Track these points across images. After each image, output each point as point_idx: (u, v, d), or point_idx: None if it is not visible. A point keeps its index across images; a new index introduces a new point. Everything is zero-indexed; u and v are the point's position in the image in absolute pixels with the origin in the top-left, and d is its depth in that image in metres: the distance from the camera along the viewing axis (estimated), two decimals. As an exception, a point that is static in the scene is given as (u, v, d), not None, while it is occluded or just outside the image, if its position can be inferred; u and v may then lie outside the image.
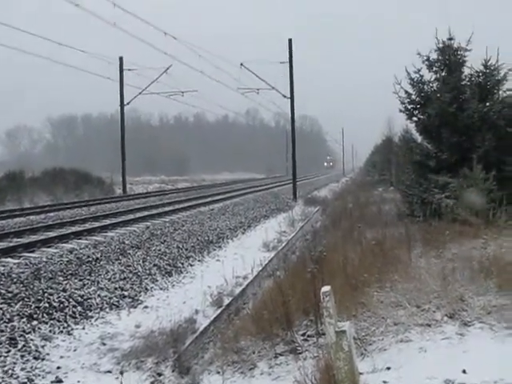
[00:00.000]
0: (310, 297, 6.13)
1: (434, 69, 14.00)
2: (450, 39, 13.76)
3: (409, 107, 14.22)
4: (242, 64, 30.93)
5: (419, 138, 15.33)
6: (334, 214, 18.20)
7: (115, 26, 21.25)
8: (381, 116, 49.87)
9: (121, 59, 34.43)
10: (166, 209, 23.58)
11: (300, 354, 5.68)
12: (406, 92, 14.06)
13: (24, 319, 7.98)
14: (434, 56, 13.87)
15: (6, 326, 7.60)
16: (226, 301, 9.41)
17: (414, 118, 14.48)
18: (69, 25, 71.31)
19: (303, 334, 6.04)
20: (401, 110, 14.49)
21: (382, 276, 7.16)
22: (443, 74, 13.91)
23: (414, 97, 14.10)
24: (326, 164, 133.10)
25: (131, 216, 20.65)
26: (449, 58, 13.74)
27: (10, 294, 8.77)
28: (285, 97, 32.35)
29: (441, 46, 13.76)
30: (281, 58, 31.55)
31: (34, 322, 7.98)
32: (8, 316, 7.93)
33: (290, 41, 31.38)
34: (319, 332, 5.70)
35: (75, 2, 19.44)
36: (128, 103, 35.26)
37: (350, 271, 7.24)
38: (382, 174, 32.62)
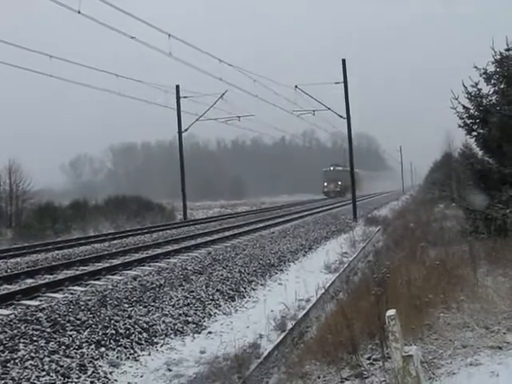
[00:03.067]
0: (374, 319, 6.04)
1: (493, 81, 13.72)
2: (508, 50, 13.47)
3: (468, 122, 13.96)
4: (296, 86, 31.08)
5: (480, 153, 15.01)
6: (396, 233, 17.93)
7: (170, 56, 21.75)
8: (439, 132, 49.05)
9: (177, 87, 35.17)
10: (227, 233, 23.76)
11: (366, 378, 5.59)
12: (464, 107, 13.82)
13: (92, 346, 8.17)
14: (491, 68, 13.61)
15: (75, 353, 7.80)
16: (290, 325, 9.37)
17: (474, 133, 14.20)
18: (124, 56, 73.34)
19: (369, 358, 5.95)
20: (460, 126, 14.24)
21: (448, 296, 7.01)
22: (502, 86, 13.61)
23: (472, 111, 13.83)
24: (325, 185, 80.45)
25: (193, 242, 20.90)
26: (507, 69, 13.45)
27: (78, 322, 9.01)
28: (341, 117, 32.24)
29: (498, 57, 13.49)
30: (337, 77, 31.55)
31: (102, 349, 8.15)
32: (77, 343, 8.14)
33: (343, 61, 31.34)
34: (385, 356, 5.60)
35: (130, 34, 20.00)
36: (186, 130, 35.92)
37: (415, 292, 7.11)
38: (442, 190, 31.90)
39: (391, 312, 4.24)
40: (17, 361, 7.23)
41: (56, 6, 16.37)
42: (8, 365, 7.08)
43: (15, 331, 8.34)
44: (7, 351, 7.48)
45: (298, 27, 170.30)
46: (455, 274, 8.02)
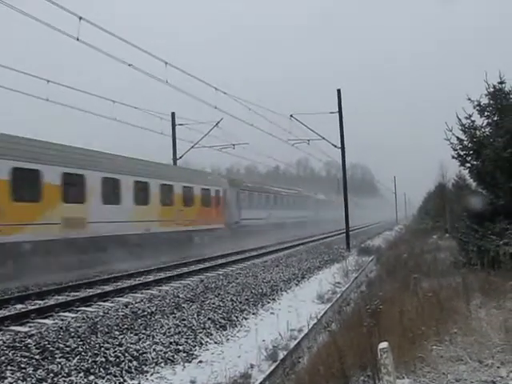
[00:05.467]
0: (366, 351, 5.99)
1: (486, 113, 13.86)
2: (501, 83, 13.63)
3: (461, 153, 14.06)
4: (291, 115, 31.22)
5: (473, 184, 15.07)
6: (389, 263, 17.87)
7: (167, 84, 21.86)
8: (433, 162, 49.33)
9: (173, 114, 35.29)
10: (220, 261, 23.69)
11: (358, 411, 5.53)
12: (458, 138, 13.92)
13: (81, 374, 8.04)
14: (485, 101, 13.75)
15: (64, 381, 7.69)
16: (281, 355, 9.27)
17: (468, 164, 14.29)
18: (121, 83, 73.76)
19: (361, 391, 5.89)
20: (453, 157, 14.33)
21: (441, 328, 6.97)
22: (495, 118, 13.74)
23: (466, 143, 13.93)
24: None
25: (185, 269, 20.85)
26: (501, 101, 13.59)
27: (68, 349, 8.91)
28: (335, 146, 32.34)
29: (491, 90, 13.64)
30: (331, 107, 31.73)
31: (91, 377, 8.03)
32: (66, 370, 8.02)
33: (338, 91, 31.53)
34: (377, 388, 5.55)
35: (128, 62, 20.13)
36: (181, 157, 35.95)
37: (407, 324, 7.07)
38: (436, 221, 31.98)
39: (384, 344, 4.21)
40: (3, 388, 7.12)
41: (55, 33, 16.52)
42: (-6, 392, 6.98)
43: (3, 358, 8.25)
44: (-6, 378, 7.38)
45: (295, 57, 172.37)
46: (448, 306, 7.99)
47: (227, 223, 36.48)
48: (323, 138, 33.09)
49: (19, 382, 7.41)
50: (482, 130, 13.94)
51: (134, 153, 28.41)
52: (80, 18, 16.46)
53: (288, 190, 58.76)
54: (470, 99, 13.70)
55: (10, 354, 8.46)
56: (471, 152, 13.95)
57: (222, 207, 35.81)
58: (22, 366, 8.00)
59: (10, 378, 7.45)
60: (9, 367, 7.86)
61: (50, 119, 55.12)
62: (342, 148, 32.03)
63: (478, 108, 13.80)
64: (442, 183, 34.35)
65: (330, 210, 70.92)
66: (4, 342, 9.10)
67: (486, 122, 13.92)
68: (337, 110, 31.54)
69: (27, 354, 8.52)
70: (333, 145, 32.60)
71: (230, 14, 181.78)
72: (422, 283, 10.20)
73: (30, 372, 7.77)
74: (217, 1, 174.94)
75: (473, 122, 13.87)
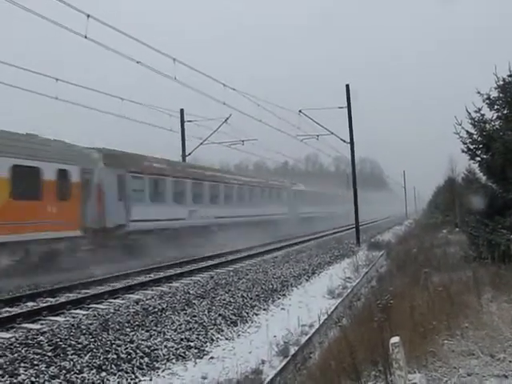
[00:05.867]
0: (377, 346, 5.98)
1: (496, 107, 13.78)
2: (511, 75, 13.55)
3: (471, 147, 13.99)
4: (300, 111, 31.16)
5: (483, 178, 15.00)
6: (399, 258, 17.85)
7: (175, 80, 21.89)
8: (443, 157, 49.12)
9: (182, 111, 35.35)
10: (230, 257, 23.72)
11: (370, 406, 5.53)
12: (468, 132, 13.86)
13: (93, 370, 8.08)
14: (494, 94, 13.67)
15: (76, 378, 7.73)
16: (292, 350, 9.28)
17: (477, 158, 14.23)
18: (130, 80, 74.00)
19: (372, 386, 5.89)
20: (463, 151, 14.27)
21: (452, 323, 6.95)
22: (505, 111, 13.66)
23: (475, 136, 13.87)
24: None
25: (195, 266, 20.89)
26: (510, 94, 13.50)
27: (79, 346, 8.95)
28: (344, 141, 32.27)
29: (501, 83, 13.55)
30: (338, 104, 31.62)
31: (103, 374, 8.07)
32: (78, 367, 8.07)
33: (347, 86, 31.45)
34: (389, 383, 5.54)
35: (136, 59, 20.18)
36: (190, 154, 36.00)
37: (418, 318, 7.06)
38: (445, 215, 31.88)
39: (395, 339, 4.20)
40: (17, 385, 7.17)
41: (63, 31, 16.59)
42: (8, 389, 7.03)
43: (16, 355, 8.31)
44: (7, 375, 7.44)
45: (301, 55, 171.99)
46: (459, 300, 7.96)
47: (92, 228, 21.77)
48: (332, 133, 33.06)
49: (32, 378, 7.45)
50: (492, 123, 13.88)
51: (142, 150, 28.33)
52: (88, 16, 16.52)
53: (245, 179, 40.93)
54: (479, 92, 13.64)
55: (23, 350, 8.52)
56: (481, 146, 13.89)
57: (76, 200, 20.61)
58: (35, 362, 8.05)
59: (23, 375, 7.50)
60: (22, 364, 7.92)
61: (55, 117, 55.26)
62: (351, 142, 31.94)
63: (487, 101, 13.73)
64: (452, 177, 34.21)
65: (319, 204, 56.26)
66: (17, 339, 9.17)
67: (495, 115, 13.86)
68: (345, 105, 31.45)
69: (40, 350, 8.57)
70: (342, 140, 32.55)
71: (235, 12, 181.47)
72: (433, 278, 10.18)
73: (43, 369, 7.82)
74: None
75: (482, 115, 13.81)
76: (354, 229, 33.05)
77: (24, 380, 7.36)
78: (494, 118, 13.87)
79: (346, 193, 57.93)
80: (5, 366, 7.74)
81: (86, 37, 16.89)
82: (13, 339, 9.24)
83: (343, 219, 55.49)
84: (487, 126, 13.81)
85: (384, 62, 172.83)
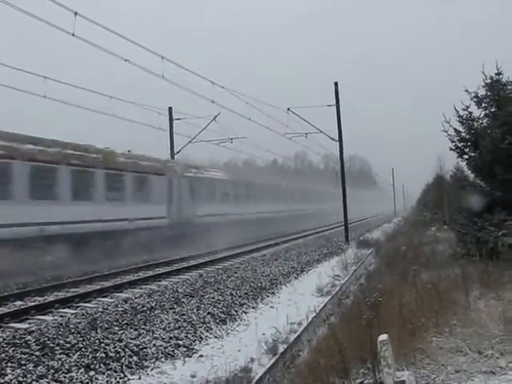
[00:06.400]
0: (366, 344, 5.99)
1: (483, 105, 13.85)
2: (498, 74, 13.62)
3: (459, 145, 14.07)
4: (288, 109, 31.12)
5: (471, 176, 15.08)
6: (388, 256, 17.90)
7: (163, 78, 21.82)
8: (431, 154, 49.30)
9: (170, 109, 35.22)
10: (219, 256, 23.70)
11: (358, 403, 5.54)
12: (456, 130, 13.92)
13: (82, 370, 8.06)
14: (482, 92, 13.74)
15: (64, 377, 7.70)
16: (281, 348, 9.29)
17: (465, 156, 14.30)
18: (118, 79, 73.53)
19: (361, 383, 5.89)
20: (451, 149, 14.34)
21: (440, 320, 6.98)
22: (493, 109, 13.74)
23: (463, 134, 13.94)
24: None
25: (184, 264, 20.87)
26: (498, 93, 13.58)
27: (68, 345, 8.92)
28: (333, 139, 32.34)
29: (489, 81, 13.63)
30: (328, 100, 31.68)
31: (92, 373, 8.04)
32: (67, 366, 8.04)
33: (335, 84, 31.49)
34: (377, 380, 5.54)
35: (124, 57, 20.11)
36: (178, 152, 35.84)
37: (407, 316, 7.08)
38: (434, 213, 32.01)
39: (383, 337, 4.22)
40: (4, 385, 7.13)
41: (50, 29, 16.46)
42: (-5, 389, 6.98)
43: (3, 355, 8.26)
44: (-6, 375, 7.39)
45: (293, 48, 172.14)
46: (447, 297, 8.00)
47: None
48: (321, 131, 33.06)
49: (20, 378, 7.41)
50: (480, 121, 13.96)
51: (132, 148, 28.20)
52: (75, 14, 16.41)
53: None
54: (467, 91, 13.71)
55: (10, 350, 8.47)
56: (469, 143, 13.96)
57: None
58: (23, 362, 8.01)
59: (10, 375, 7.46)
60: (9, 364, 7.87)
61: (45, 116, 54.99)
62: (340, 141, 32.02)
63: (475, 99, 13.80)
64: (440, 175, 34.38)
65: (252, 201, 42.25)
66: (4, 339, 9.11)
67: (483, 113, 13.94)
68: (334, 103, 31.51)
69: (27, 350, 8.53)
70: (330, 138, 32.60)
71: (231, 11, 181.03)
72: (421, 275, 10.22)
73: (31, 368, 7.78)
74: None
75: (470, 113, 13.88)
76: (343, 227, 33.14)
77: (11, 380, 7.32)
78: (481, 115, 13.95)
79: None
80: (-8, 366, 7.70)
81: (73, 34, 16.79)
82: (0, 339, 9.17)
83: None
84: (475, 123, 13.88)
85: (375, 60, 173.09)
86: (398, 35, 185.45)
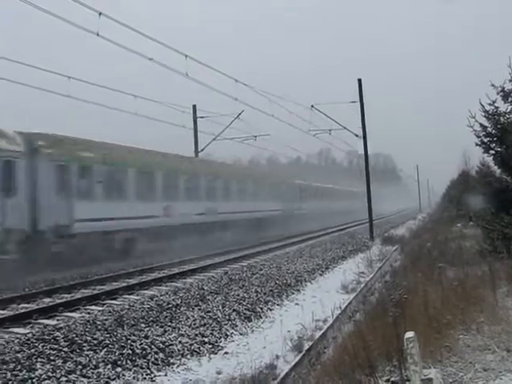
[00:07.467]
0: (392, 341, 5.97)
1: (510, 99, 13.66)
2: (526, 68, 13.43)
3: (485, 140, 13.89)
4: (312, 106, 31.08)
5: (498, 171, 14.90)
6: (413, 252, 17.79)
7: (187, 77, 21.96)
8: (457, 149, 48.71)
9: (194, 107, 35.36)
10: (243, 253, 23.75)
11: (385, 401, 5.52)
12: (481, 125, 13.76)
13: (109, 366, 8.15)
14: (508, 86, 13.56)
15: (92, 373, 7.80)
16: (306, 345, 9.30)
17: (492, 151, 14.12)
18: (144, 78, 73.97)
19: (387, 381, 5.85)
20: (477, 144, 14.18)
21: (467, 318, 6.92)
22: (520, 103, 13.55)
23: (489, 129, 13.76)
24: None
25: (209, 261, 20.92)
26: (525, 87, 13.40)
27: (95, 341, 9.02)
28: (357, 136, 32.20)
29: (515, 75, 13.45)
30: (352, 96, 31.51)
31: (119, 369, 8.12)
32: (94, 362, 8.14)
33: (359, 81, 31.35)
34: (404, 378, 5.52)
35: (148, 56, 20.29)
36: (202, 149, 35.99)
37: (433, 313, 7.03)
38: (459, 209, 31.67)
39: (410, 334, 4.20)
40: (34, 380, 7.25)
41: (75, 29, 16.68)
42: (25, 384, 7.11)
43: (33, 350, 8.39)
44: (25, 370, 7.51)
45: (315, 46, 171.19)
46: (474, 294, 7.92)
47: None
48: (344, 128, 32.95)
49: (49, 373, 7.52)
50: (506, 116, 13.75)
51: (156, 147, 28.33)
52: (100, 14, 16.58)
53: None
54: (493, 85, 13.54)
55: (40, 346, 8.59)
56: (495, 138, 13.79)
57: None
58: (52, 358, 8.12)
59: (40, 370, 7.58)
60: (39, 359, 8.00)
61: (70, 115, 55.52)
62: (364, 137, 31.84)
63: (501, 94, 13.62)
64: (466, 170, 34.00)
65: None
66: (33, 335, 9.25)
67: (510, 107, 13.74)
68: (358, 99, 31.33)
69: (56, 346, 8.64)
70: (354, 134, 32.45)
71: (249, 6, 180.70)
72: (447, 272, 10.15)
73: (60, 364, 7.89)
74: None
75: (496, 108, 13.69)
76: (368, 223, 32.98)
77: (41, 375, 7.43)
78: (508, 110, 13.76)
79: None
80: (22, 361, 7.82)
81: (97, 34, 16.97)
82: (29, 335, 9.33)
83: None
84: (501, 118, 13.69)
85: (398, 56, 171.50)
86: (419, 30, 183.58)
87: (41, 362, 7.92)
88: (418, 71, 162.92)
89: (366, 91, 31.57)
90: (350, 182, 72.25)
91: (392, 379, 5.80)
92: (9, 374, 7.32)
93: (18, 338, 9.19)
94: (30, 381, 7.21)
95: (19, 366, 7.63)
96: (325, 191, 59.01)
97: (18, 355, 8.08)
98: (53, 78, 21.12)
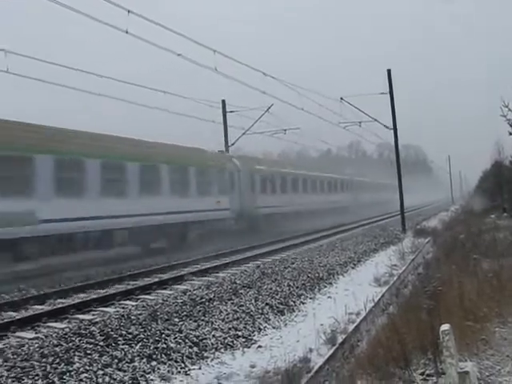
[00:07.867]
0: (426, 334, 5.93)
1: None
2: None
3: (519, 130, 13.67)
4: (341, 98, 30.86)
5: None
6: (446, 244, 17.59)
7: (216, 71, 22.05)
8: (490, 139, 47.97)
9: (223, 102, 35.41)
10: (275, 247, 23.78)
11: (420, 394, 5.49)
12: (515, 114, 13.54)
13: (144, 360, 8.26)
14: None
15: (128, 366, 7.91)
16: (340, 339, 9.28)
17: (526, 141, 13.88)
18: (170, 73, 74.36)
19: (422, 374, 5.83)
20: (510, 133, 13.95)
21: (503, 310, 6.84)
22: (555, 92, 13.29)
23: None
24: None
25: (240, 256, 21.00)
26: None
27: (130, 336, 9.14)
28: (387, 128, 31.89)
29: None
30: (382, 88, 31.19)
31: (154, 363, 8.23)
32: (129, 356, 8.25)
33: (388, 72, 30.97)
34: (439, 371, 5.49)
35: (177, 52, 20.42)
36: (233, 144, 36.06)
37: (468, 305, 6.96)
38: (493, 200, 31.22)
39: (445, 327, 4.17)
40: (72, 373, 7.38)
41: (104, 27, 16.86)
42: (64, 377, 7.25)
43: (70, 344, 8.54)
44: (63, 363, 7.66)
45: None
46: (510, 287, 7.81)
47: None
48: (375, 120, 32.66)
49: (86, 367, 7.66)
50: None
51: (187, 142, 28.54)
52: (128, 12, 16.72)
53: None
54: (527, 74, 13.31)
55: (77, 340, 8.74)
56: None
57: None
58: (88, 352, 8.26)
59: (77, 363, 7.72)
60: (76, 353, 8.14)
61: (98, 113, 56.20)
62: (395, 129, 31.52)
63: (536, 82, 13.39)
64: (499, 161, 33.44)
65: None
66: (70, 330, 9.41)
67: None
68: (387, 90, 31.01)
69: (92, 340, 8.78)
70: (385, 126, 32.15)
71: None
72: (482, 264, 10.02)
73: (96, 358, 8.03)
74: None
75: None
76: (399, 216, 32.69)
77: (79, 368, 7.57)
78: (542, 99, 13.52)
79: None
80: (61, 355, 7.98)
81: (126, 32, 17.11)
82: (67, 329, 9.49)
83: None
84: (536, 107, 13.46)
85: (425, 47, 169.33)
86: (451, 21, 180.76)
87: (78, 355, 8.06)
88: (453, 60, 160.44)
89: (397, 83, 31.22)
90: (381, 175, 72.00)
91: (427, 372, 5.78)
92: (48, 367, 7.48)
93: (55, 332, 9.38)
94: (68, 373, 7.35)
95: (58, 360, 7.79)
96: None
97: (57, 349, 8.25)
98: (84, 77, 21.39)
